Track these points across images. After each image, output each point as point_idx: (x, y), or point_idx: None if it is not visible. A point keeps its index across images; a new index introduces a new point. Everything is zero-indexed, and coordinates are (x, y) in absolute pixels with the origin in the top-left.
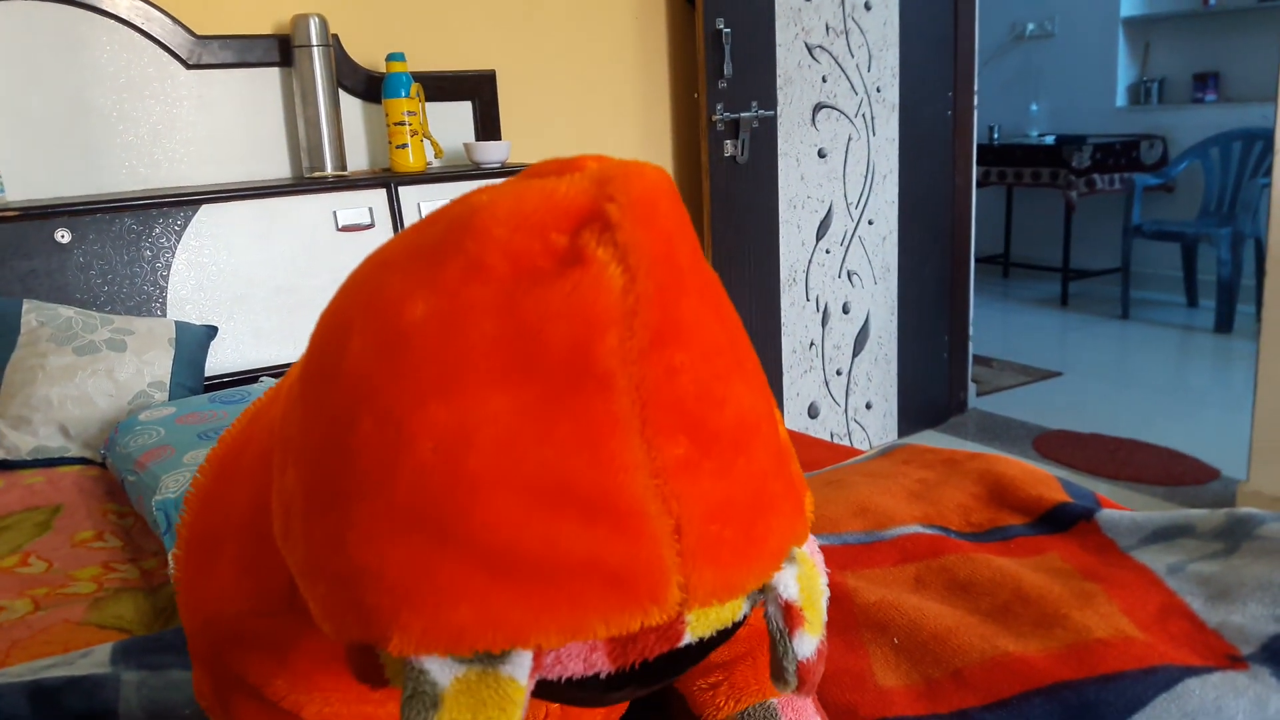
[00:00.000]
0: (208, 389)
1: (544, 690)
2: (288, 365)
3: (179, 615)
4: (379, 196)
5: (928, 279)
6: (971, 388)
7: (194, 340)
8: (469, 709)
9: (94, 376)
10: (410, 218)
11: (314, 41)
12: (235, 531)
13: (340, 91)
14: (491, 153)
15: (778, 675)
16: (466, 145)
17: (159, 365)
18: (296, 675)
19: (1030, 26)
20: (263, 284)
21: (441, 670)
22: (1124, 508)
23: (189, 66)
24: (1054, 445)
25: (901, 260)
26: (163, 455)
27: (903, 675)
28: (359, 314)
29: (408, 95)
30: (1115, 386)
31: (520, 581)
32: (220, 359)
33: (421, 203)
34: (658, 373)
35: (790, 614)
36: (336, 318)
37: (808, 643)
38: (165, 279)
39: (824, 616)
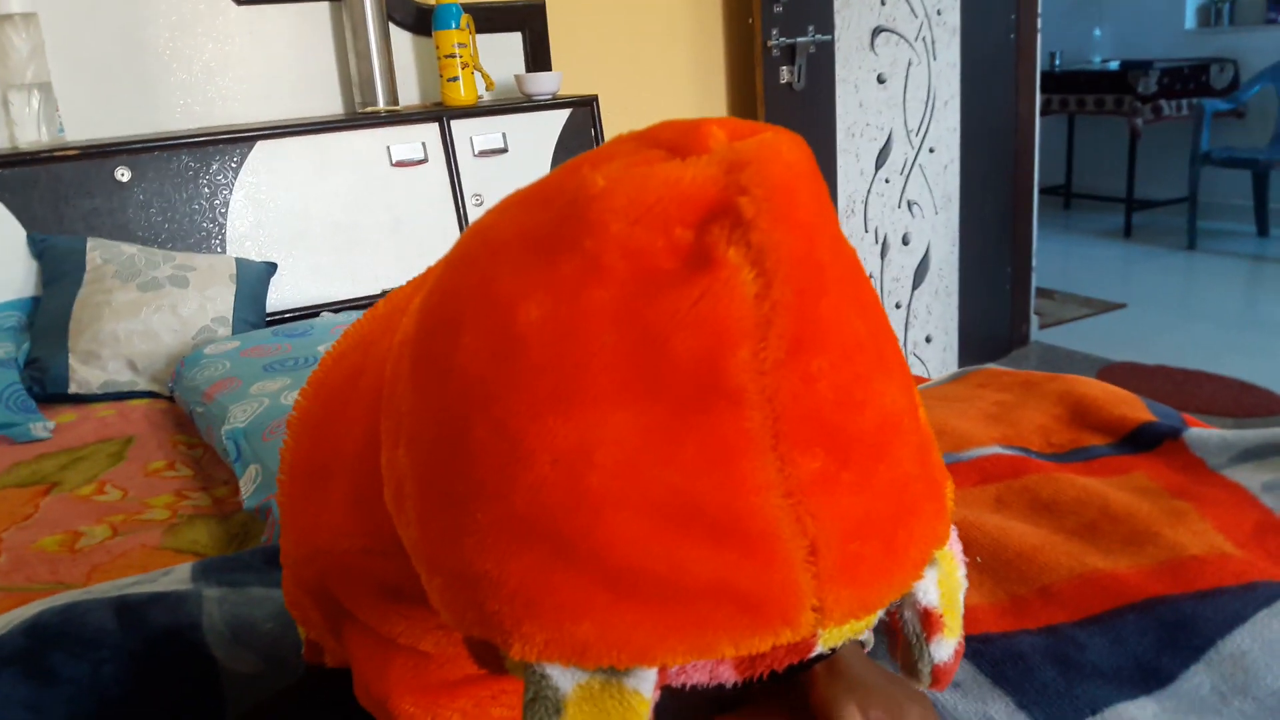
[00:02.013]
0: (268, 324)
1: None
2: (346, 301)
3: (282, 539)
4: (431, 131)
5: (990, 209)
6: (1034, 320)
7: (254, 276)
8: (592, 718)
9: (158, 312)
10: (463, 151)
11: None
12: (347, 465)
13: (390, 25)
14: (543, 84)
15: (911, 675)
16: (518, 77)
17: (221, 301)
18: (412, 611)
19: None
20: (319, 220)
21: (564, 677)
22: (1210, 427)
23: (239, 2)
24: (1119, 377)
25: (963, 189)
26: (230, 387)
27: (987, 593)
28: (470, 309)
29: (458, 27)
30: (1181, 318)
31: (645, 602)
32: (279, 295)
33: (474, 136)
34: (793, 383)
35: (929, 620)
36: (446, 308)
37: (945, 646)
38: (224, 216)
39: (962, 616)
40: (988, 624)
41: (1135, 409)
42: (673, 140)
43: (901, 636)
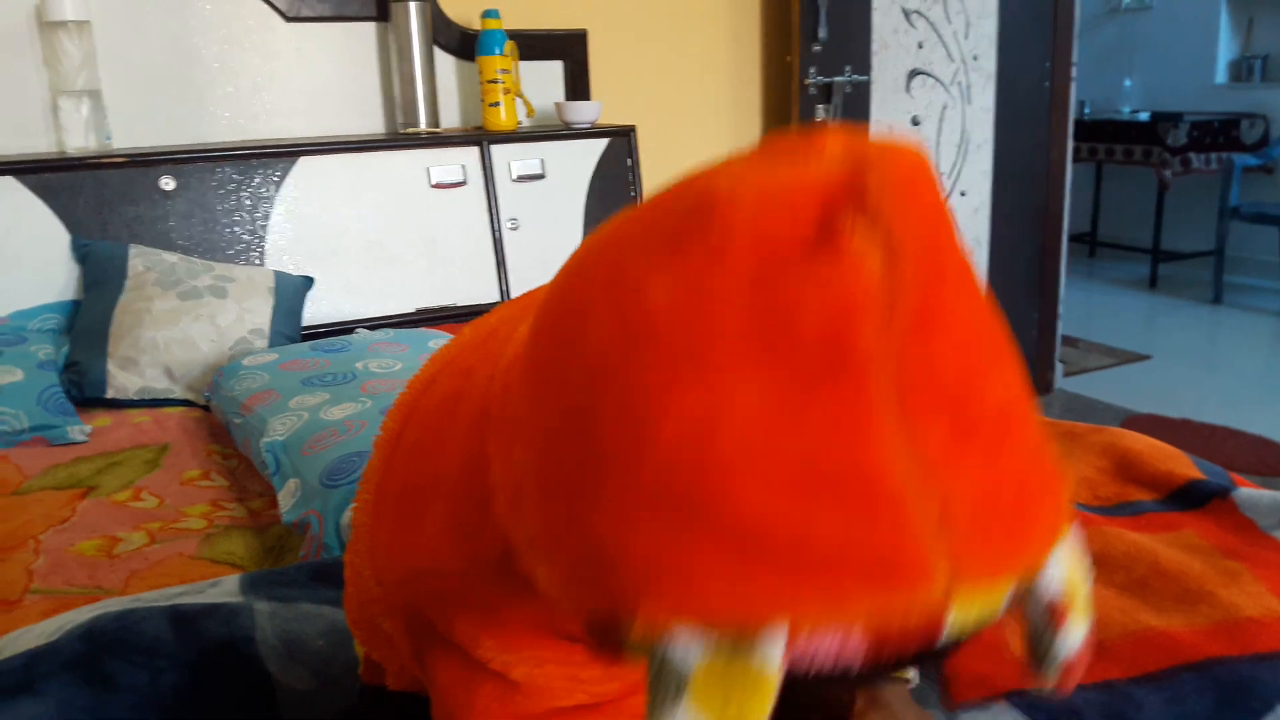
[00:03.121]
0: (303, 338)
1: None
2: (379, 318)
3: (361, 559)
4: (471, 154)
5: (1018, 254)
6: (1058, 368)
7: (292, 290)
8: (718, 695)
9: (197, 321)
10: (501, 176)
11: None
12: (446, 490)
13: (434, 48)
14: (583, 113)
15: (1039, 671)
16: (558, 105)
17: (259, 313)
18: (506, 638)
19: None
20: (356, 237)
21: (688, 654)
22: (1257, 486)
23: (288, 19)
24: (1143, 430)
25: (993, 233)
26: (269, 399)
27: None
28: (599, 296)
29: (502, 53)
30: (1206, 372)
31: (774, 562)
32: (314, 309)
33: (512, 161)
34: (918, 357)
35: (1055, 612)
36: (571, 300)
37: (1075, 633)
38: (264, 229)
39: (1089, 609)
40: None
41: (1182, 465)
42: (791, 146)
43: (1028, 630)
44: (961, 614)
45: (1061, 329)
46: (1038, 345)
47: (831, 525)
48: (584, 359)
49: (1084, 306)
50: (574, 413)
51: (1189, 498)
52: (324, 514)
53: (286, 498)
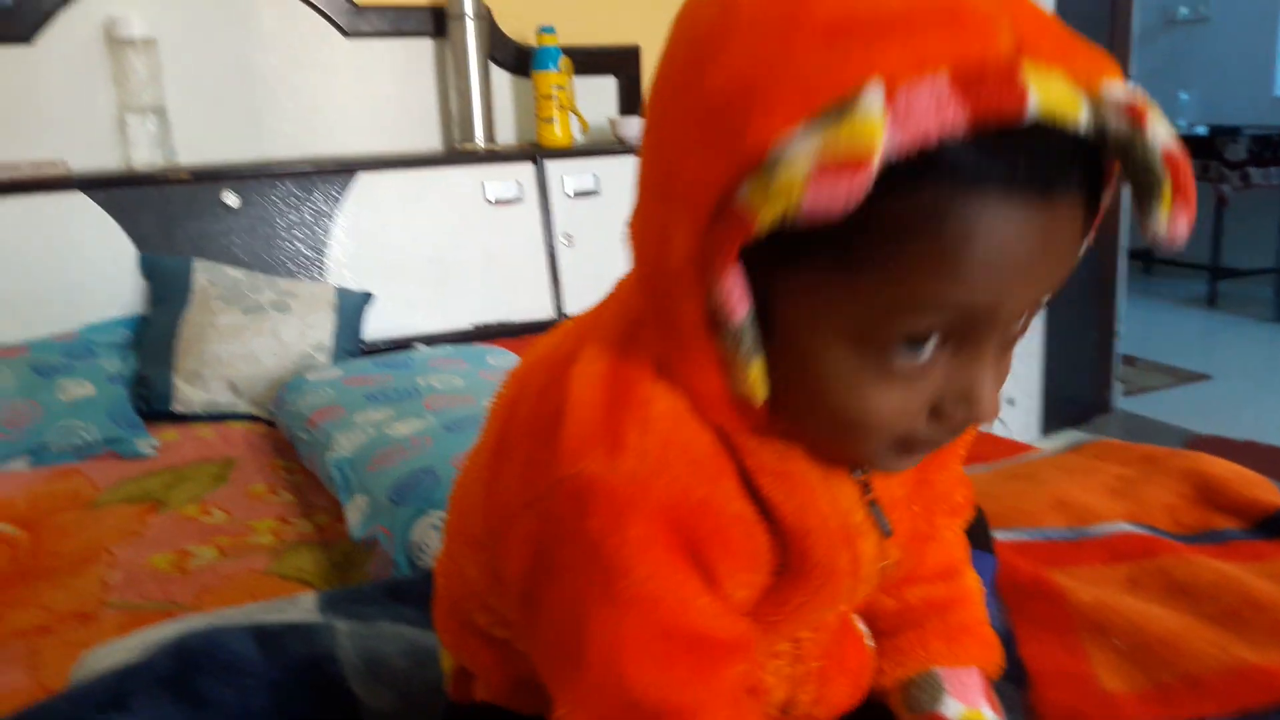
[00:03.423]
0: (364, 354)
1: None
2: (437, 334)
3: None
4: (526, 170)
5: (1076, 273)
6: (1117, 387)
7: (353, 306)
8: (837, 146)
9: (260, 336)
10: (555, 191)
11: (468, 13)
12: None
13: (490, 64)
14: (636, 128)
15: (1142, 177)
16: (612, 121)
17: (322, 328)
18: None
19: (1183, 10)
20: (414, 253)
21: (805, 140)
22: None
23: (347, 35)
24: (1207, 451)
25: None
26: (334, 415)
27: (1129, 680)
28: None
29: (557, 69)
30: (1270, 392)
31: (861, 35)
32: (374, 325)
33: (566, 176)
34: None
35: (1134, 112)
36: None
37: (1162, 131)
38: (324, 244)
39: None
40: (1133, 712)
41: (1269, 492)
42: None
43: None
44: (1042, 88)
45: (1123, 348)
46: (1096, 364)
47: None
48: None
49: (1143, 325)
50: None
51: (1277, 527)
52: (393, 530)
53: (354, 513)
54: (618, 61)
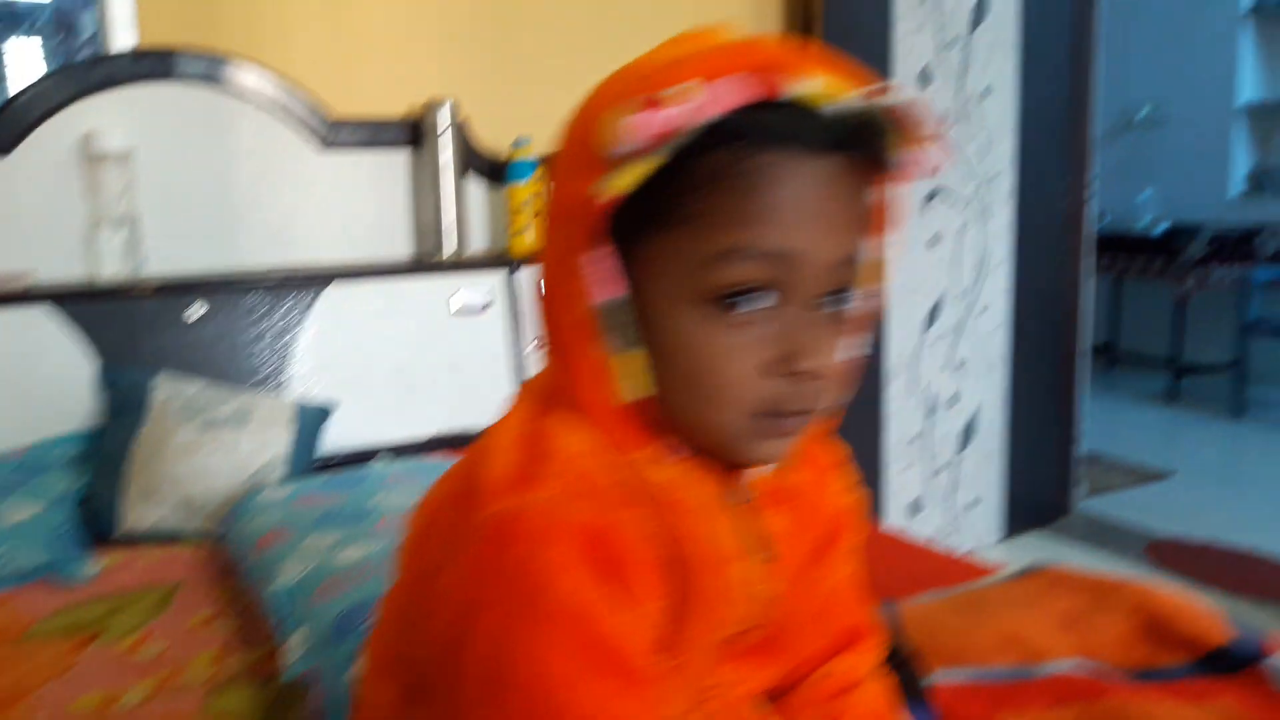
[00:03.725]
0: (325, 466)
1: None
2: (401, 443)
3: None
4: (497, 278)
5: (1038, 373)
6: (1079, 488)
7: (312, 420)
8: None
9: (216, 453)
10: (527, 299)
11: (445, 126)
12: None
13: (465, 174)
14: None
15: (891, 132)
16: None
17: (279, 443)
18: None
19: (1143, 111)
20: (381, 362)
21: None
22: None
23: (323, 147)
24: (1168, 554)
25: (1012, 352)
26: (281, 539)
27: None
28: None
29: (530, 179)
30: (1231, 490)
31: (682, 64)
32: (337, 434)
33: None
34: None
35: (879, 93)
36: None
37: (897, 95)
38: (290, 355)
39: None
40: None
41: (1215, 627)
42: None
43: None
44: (815, 79)
45: (1084, 445)
46: (1057, 465)
47: (713, 47)
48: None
49: (1106, 421)
50: None
51: (1223, 662)
52: (331, 668)
53: (295, 649)
54: None
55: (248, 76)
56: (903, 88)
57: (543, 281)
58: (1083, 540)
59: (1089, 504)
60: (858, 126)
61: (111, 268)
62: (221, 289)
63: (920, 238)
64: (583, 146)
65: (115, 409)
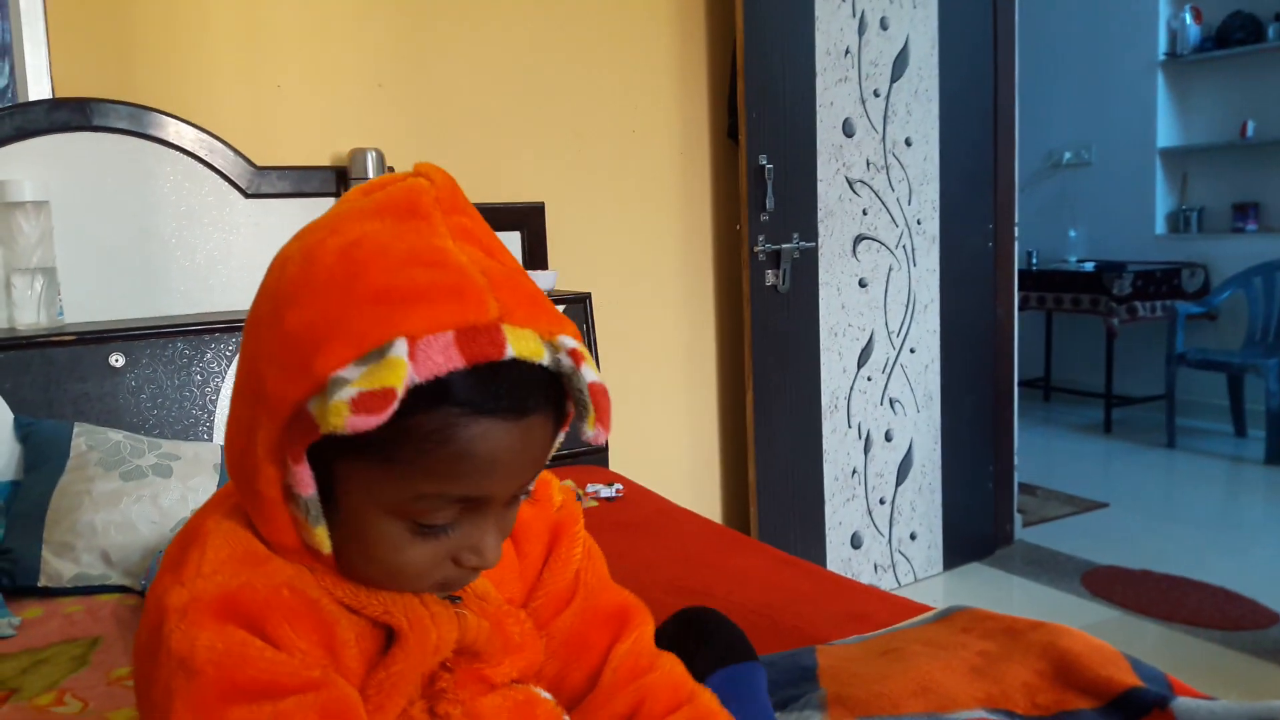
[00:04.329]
0: None
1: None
2: None
3: None
4: None
5: (971, 408)
6: (1017, 519)
7: None
8: (373, 381)
9: (139, 503)
10: None
11: (370, 174)
12: None
13: None
14: (540, 281)
15: (579, 402)
16: None
17: (203, 491)
18: None
19: (1067, 155)
20: None
21: (352, 374)
22: (1195, 690)
23: (247, 196)
24: (1103, 582)
25: (944, 389)
26: None
27: None
28: None
29: None
30: (1164, 520)
31: (396, 305)
32: None
33: None
34: (456, 221)
35: (575, 355)
36: None
37: (591, 372)
38: (214, 403)
39: (597, 369)
40: None
41: (1121, 670)
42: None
43: (566, 384)
44: (516, 342)
45: (1019, 477)
46: (995, 498)
47: (427, 280)
48: None
49: (1042, 453)
50: None
51: (1128, 707)
52: None
53: None
54: (522, 216)
55: (168, 126)
56: (590, 359)
57: (229, 437)
58: (1021, 570)
59: (1028, 534)
60: (553, 394)
61: (28, 318)
62: (140, 337)
63: (850, 280)
64: (290, 352)
65: (32, 460)
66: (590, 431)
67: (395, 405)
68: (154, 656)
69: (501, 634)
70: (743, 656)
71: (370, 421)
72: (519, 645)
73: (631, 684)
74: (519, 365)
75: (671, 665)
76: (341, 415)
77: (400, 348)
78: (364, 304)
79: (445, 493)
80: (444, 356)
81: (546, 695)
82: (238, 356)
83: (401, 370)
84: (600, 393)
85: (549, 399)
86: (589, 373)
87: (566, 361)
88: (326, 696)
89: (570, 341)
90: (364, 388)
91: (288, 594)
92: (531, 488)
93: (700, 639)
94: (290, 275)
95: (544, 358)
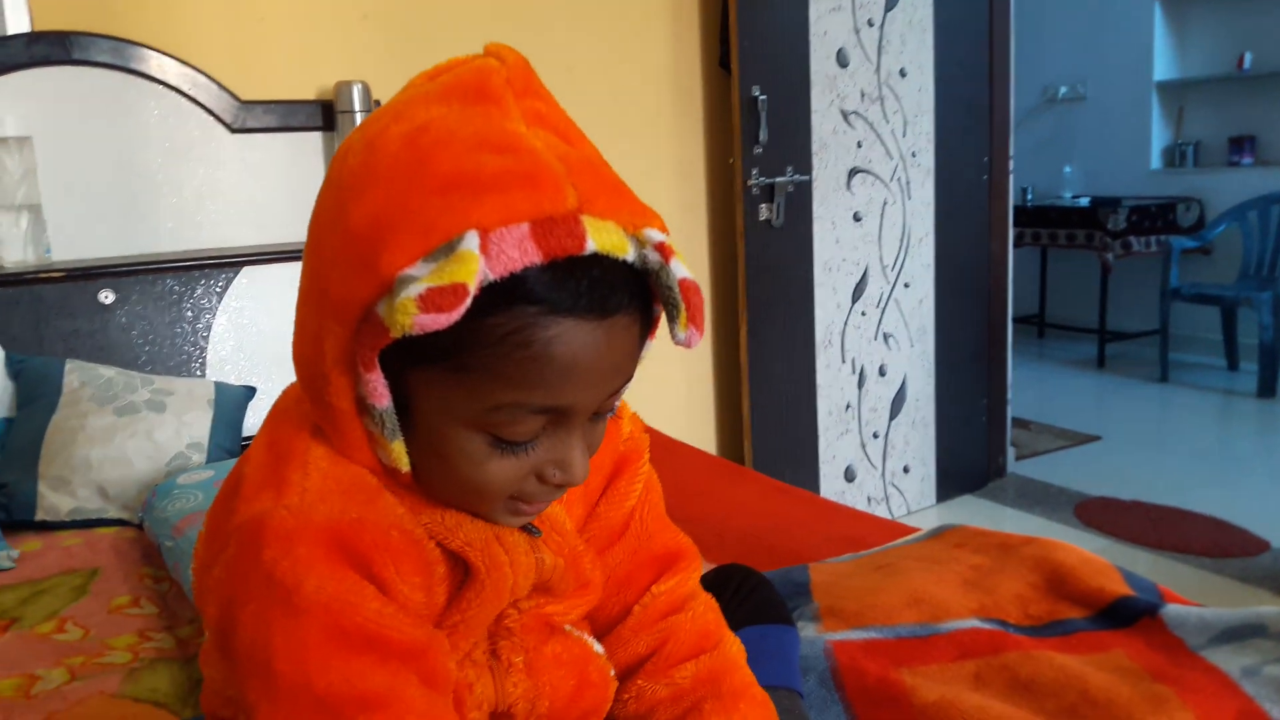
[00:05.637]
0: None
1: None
2: None
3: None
4: None
5: (965, 342)
6: (1010, 452)
7: (233, 401)
8: (443, 276)
9: (133, 437)
10: None
11: (356, 107)
12: None
13: None
14: None
15: (668, 301)
16: None
17: (198, 426)
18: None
19: (1063, 89)
20: None
21: (421, 271)
22: (1186, 600)
23: (233, 130)
24: (1096, 513)
25: (938, 323)
26: (200, 521)
27: None
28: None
29: None
30: (1156, 452)
31: (466, 194)
32: (258, 419)
33: None
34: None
35: (664, 249)
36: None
37: (681, 268)
38: (205, 340)
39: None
40: None
41: (1112, 580)
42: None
43: (654, 281)
44: (597, 234)
45: (1013, 412)
46: (988, 431)
47: (499, 167)
48: None
49: (1036, 387)
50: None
51: (1119, 615)
52: None
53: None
54: None
55: (151, 60)
56: (680, 255)
57: (297, 346)
58: (1015, 502)
59: (1020, 467)
60: (638, 293)
61: (15, 255)
62: (129, 274)
63: (844, 213)
64: (354, 250)
65: (26, 396)
66: (682, 334)
67: (467, 303)
68: (245, 576)
69: (575, 570)
70: (776, 619)
71: (440, 320)
72: (588, 582)
73: (658, 623)
74: (601, 260)
75: (705, 609)
76: (409, 314)
77: (471, 240)
78: (431, 194)
79: (524, 402)
80: (519, 250)
81: (599, 649)
82: (301, 261)
83: (473, 265)
84: (693, 290)
85: (634, 298)
86: (679, 268)
87: (654, 256)
88: (428, 667)
89: (657, 235)
90: (433, 284)
91: (397, 535)
92: (617, 404)
93: (735, 595)
94: (352, 167)
95: (628, 252)
